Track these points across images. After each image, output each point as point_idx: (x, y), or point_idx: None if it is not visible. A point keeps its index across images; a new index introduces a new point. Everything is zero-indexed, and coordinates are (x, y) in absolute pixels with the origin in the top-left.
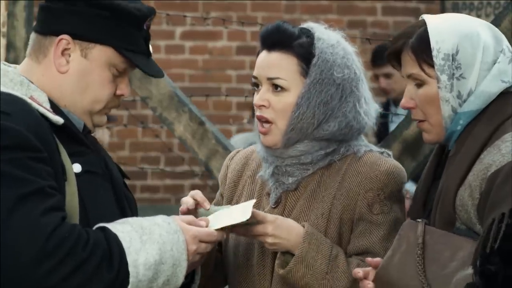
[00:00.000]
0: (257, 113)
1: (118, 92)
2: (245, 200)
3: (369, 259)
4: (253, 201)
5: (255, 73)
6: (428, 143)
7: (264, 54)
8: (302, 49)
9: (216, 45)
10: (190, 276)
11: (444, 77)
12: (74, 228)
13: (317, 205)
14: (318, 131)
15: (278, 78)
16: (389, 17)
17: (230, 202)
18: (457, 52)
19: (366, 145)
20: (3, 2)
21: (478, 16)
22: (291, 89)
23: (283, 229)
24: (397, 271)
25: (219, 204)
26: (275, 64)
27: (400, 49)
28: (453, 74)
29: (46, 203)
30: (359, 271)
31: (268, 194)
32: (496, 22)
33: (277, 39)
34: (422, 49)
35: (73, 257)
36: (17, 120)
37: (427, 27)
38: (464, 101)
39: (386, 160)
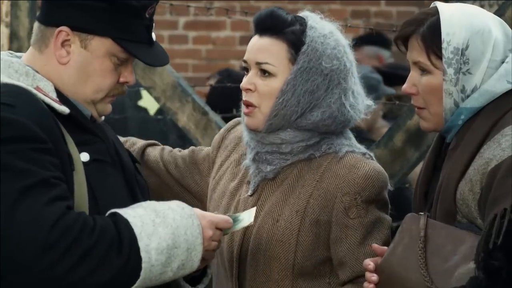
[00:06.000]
0: (243, 97)
1: (122, 79)
2: (224, 183)
3: (375, 245)
4: (255, 208)
5: (245, 57)
6: (425, 130)
7: (255, 39)
8: (293, 36)
9: (220, 35)
10: (201, 270)
11: (450, 71)
12: (79, 216)
13: (293, 200)
14: (301, 120)
15: (266, 63)
16: (393, 7)
17: (214, 179)
18: (467, 47)
19: (349, 144)
20: None
21: (482, 6)
22: (279, 75)
23: None
24: (399, 264)
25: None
26: (265, 49)
27: (409, 35)
28: (460, 68)
29: (50, 194)
30: (369, 263)
31: (249, 182)
32: (499, 12)
33: (269, 24)
34: (432, 39)
35: (79, 245)
36: (21, 112)
37: (440, 17)
38: (467, 96)
39: (366, 162)
